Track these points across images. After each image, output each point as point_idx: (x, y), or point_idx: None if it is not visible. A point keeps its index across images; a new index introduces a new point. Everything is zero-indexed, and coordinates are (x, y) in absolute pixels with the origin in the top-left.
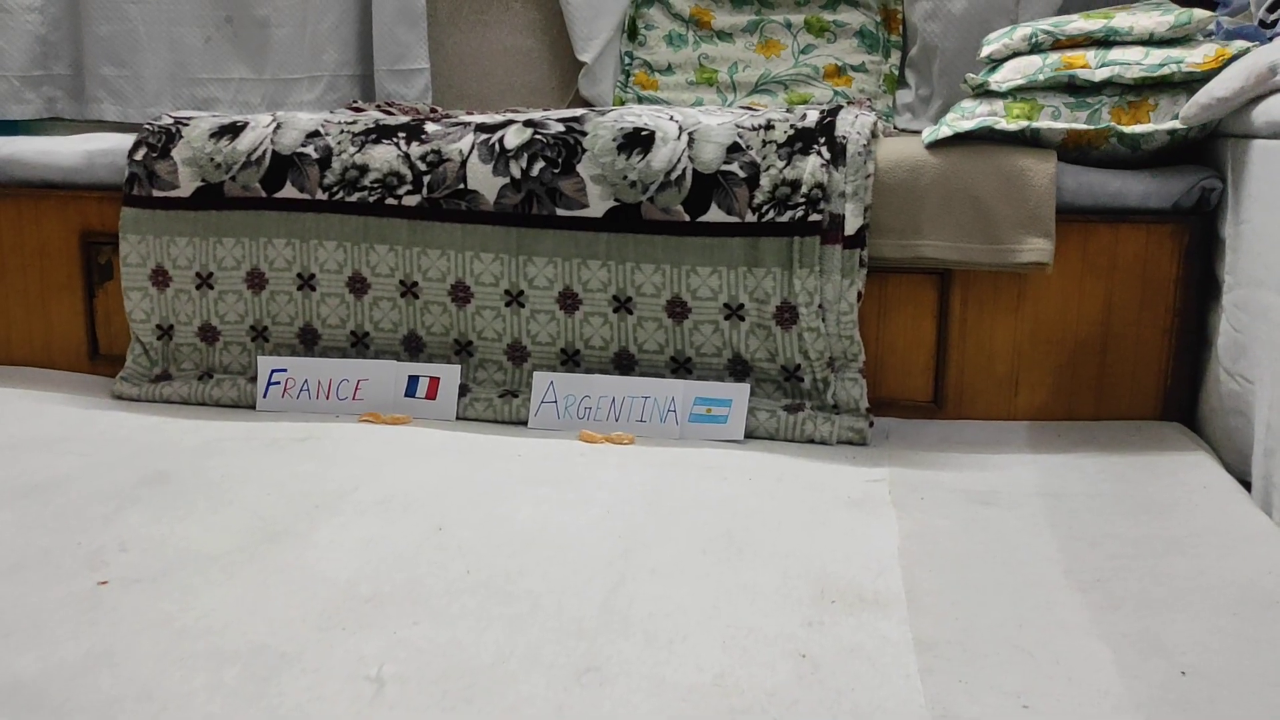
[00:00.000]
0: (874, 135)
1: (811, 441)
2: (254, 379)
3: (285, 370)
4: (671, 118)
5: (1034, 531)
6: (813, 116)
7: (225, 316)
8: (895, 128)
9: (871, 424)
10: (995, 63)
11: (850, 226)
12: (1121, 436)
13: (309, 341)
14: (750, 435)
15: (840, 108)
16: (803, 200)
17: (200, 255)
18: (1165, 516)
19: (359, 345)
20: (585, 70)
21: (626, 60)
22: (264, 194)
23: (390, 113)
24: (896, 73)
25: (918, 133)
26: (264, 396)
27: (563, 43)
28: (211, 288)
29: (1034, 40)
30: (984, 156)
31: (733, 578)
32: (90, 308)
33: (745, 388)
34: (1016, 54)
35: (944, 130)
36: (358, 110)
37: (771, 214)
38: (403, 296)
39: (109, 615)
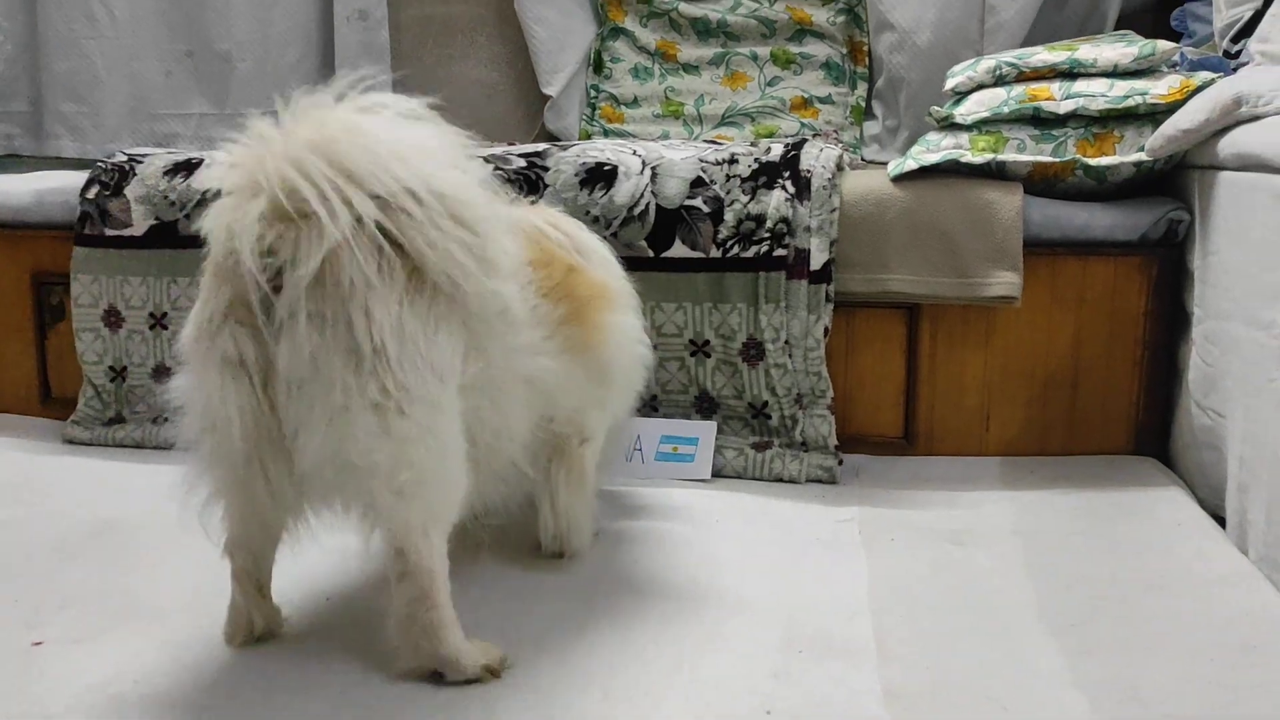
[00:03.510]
0: (839, 168)
1: (780, 480)
2: None
3: None
4: (634, 152)
5: (1006, 573)
6: (777, 150)
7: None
8: (863, 159)
9: (840, 461)
10: (960, 95)
11: (816, 261)
12: (1094, 472)
13: None
14: (718, 474)
15: (804, 141)
16: (767, 235)
17: (154, 295)
18: (1139, 556)
19: None
20: (551, 104)
21: (592, 93)
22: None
23: None
24: (863, 104)
25: (885, 164)
26: None
27: (528, 76)
28: (165, 328)
29: (998, 73)
30: (950, 190)
31: (698, 627)
32: (42, 349)
33: (712, 426)
34: (981, 86)
35: (909, 163)
36: None
37: (736, 249)
38: None
39: (40, 680)
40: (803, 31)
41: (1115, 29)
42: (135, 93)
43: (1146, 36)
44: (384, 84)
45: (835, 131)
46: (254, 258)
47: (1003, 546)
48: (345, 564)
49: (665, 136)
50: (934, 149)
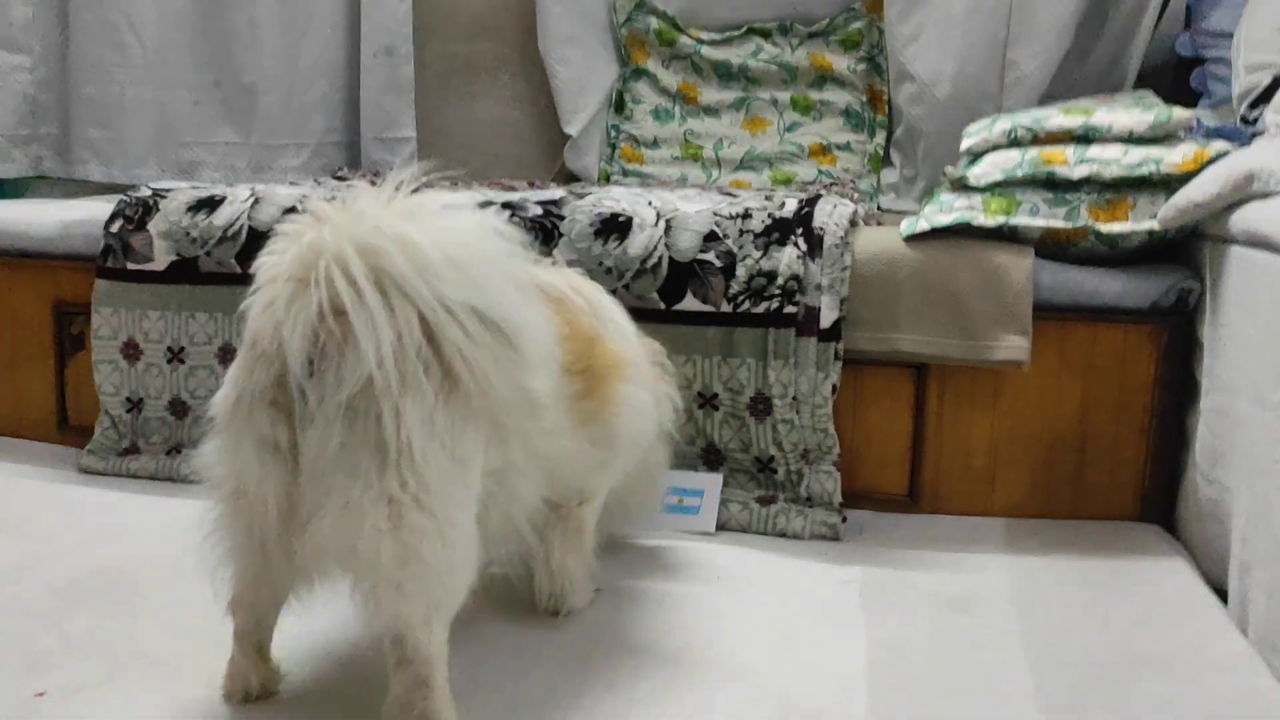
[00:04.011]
0: (853, 224)
1: (784, 535)
2: None
3: None
4: (650, 203)
5: (1005, 646)
6: (791, 205)
7: (195, 392)
8: (879, 208)
9: (845, 519)
10: (974, 156)
11: (826, 319)
12: (1098, 538)
13: None
14: (723, 527)
15: (819, 197)
16: (778, 292)
17: (172, 330)
18: (1140, 631)
19: None
20: (571, 143)
21: (613, 134)
22: (239, 270)
23: (375, 183)
24: (881, 152)
25: (901, 213)
26: None
27: (550, 115)
28: (183, 362)
29: (1013, 135)
30: (961, 251)
31: (690, 697)
32: (61, 378)
33: (718, 478)
34: (996, 148)
35: (921, 224)
36: (341, 179)
37: (747, 304)
38: None
39: None
40: (823, 78)
41: (1135, 86)
42: (162, 121)
43: (1166, 94)
44: (407, 120)
45: (852, 180)
46: (300, 356)
47: (1003, 616)
48: (349, 615)
49: (683, 179)
50: (947, 209)
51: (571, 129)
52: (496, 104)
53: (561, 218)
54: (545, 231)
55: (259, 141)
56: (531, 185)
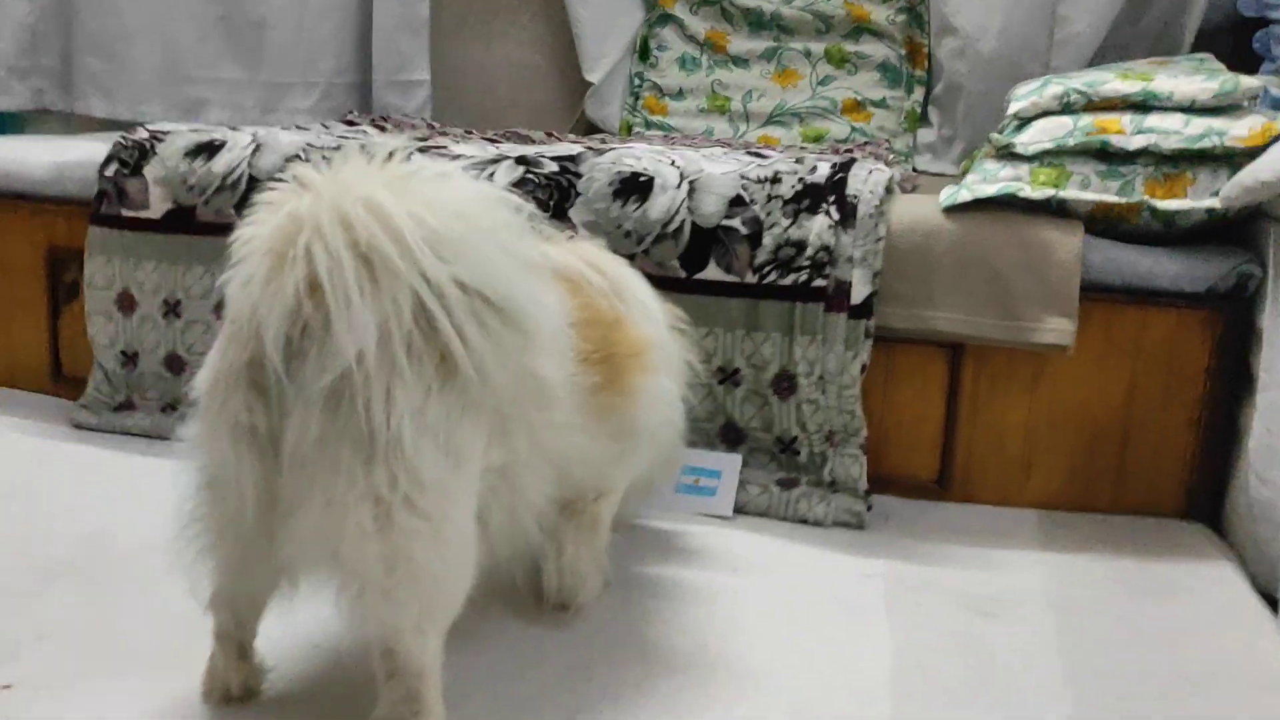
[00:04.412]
0: (889, 191)
1: (805, 522)
2: None
3: None
4: (673, 162)
5: (1038, 655)
6: (823, 170)
7: (193, 348)
8: (914, 169)
9: (870, 507)
10: (1023, 121)
11: (857, 295)
12: (1139, 535)
13: None
14: (740, 510)
15: (853, 161)
16: (807, 264)
17: (168, 282)
18: (1181, 647)
19: None
20: (592, 91)
21: (636, 82)
22: (238, 221)
23: (384, 128)
24: (919, 110)
25: (938, 176)
26: None
27: (570, 60)
28: (179, 316)
29: (1066, 100)
30: (1005, 225)
31: (704, 705)
32: (54, 327)
33: (737, 459)
34: (1046, 113)
35: (963, 194)
36: (351, 124)
37: (773, 276)
38: None
39: None
40: (860, 29)
41: (1193, 48)
42: (166, 55)
43: (1226, 57)
44: (421, 62)
45: (887, 141)
46: (277, 338)
47: (1036, 622)
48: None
49: (709, 133)
50: (991, 179)
51: (593, 76)
52: (515, 47)
53: (579, 176)
54: (561, 190)
55: (266, 80)
56: (550, 136)
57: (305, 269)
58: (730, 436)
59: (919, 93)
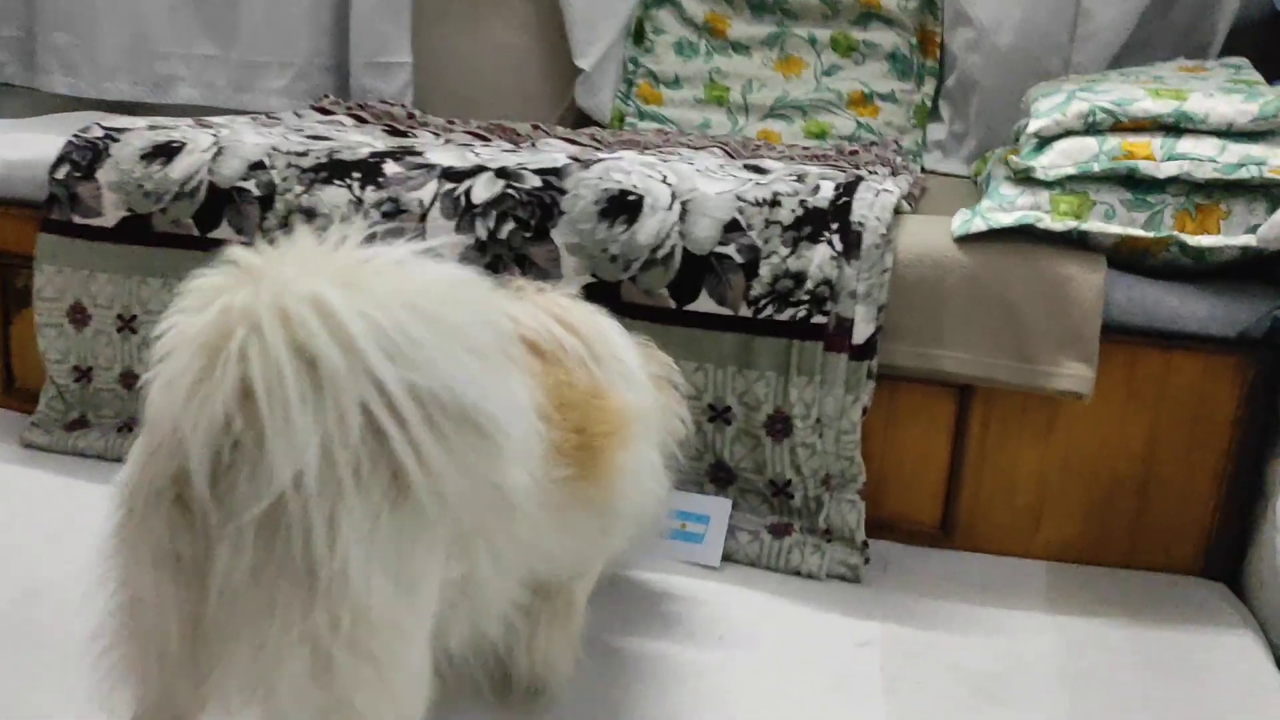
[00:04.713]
0: (900, 210)
1: (798, 573)
2: None
3: None
4: (665, 179)
5: None
6: (826, 192)
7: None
8: (922, 169)
9: (867, 560)
10: (1043, 141)
11: (860, 334)
12: (1155, 596)
13: None
14: (728, 557)
15: (860, 180)
16: (806, 298)
17: (123, 295)
18: None
19: None
20: (583, 78)
21: (630, 68)
22: (196, 233)
23: (362, 118)
24: (929, 104)
25: (947, 176)
26: None
27: (561, 44)
28: (135, 332)
29: (1091, 119)
30: (1022, 258)
31: None
32: (5, 336)
33: (726, 505)
34: (1069, 133)
35: (977, 223)
36: (325, 111)
37: (770, 310)
38: None
39: None
40: (869, 15)
41: (1226, 46)
42: (135, 29)
43: (1262, 54)
44: (402, 44)
45: (895, 141)
46: (203, 455)
47: (1045, 705)
48: None
49: (706, 126)
50: (1008, 207)
51: (584, 61)
52: (502, 29)
53: (563, 192)
54: (544, 208)
55: (240, 58)
56: (536, 129)
57: (238, 374)
58: (720, 477)
59: (930, 85)
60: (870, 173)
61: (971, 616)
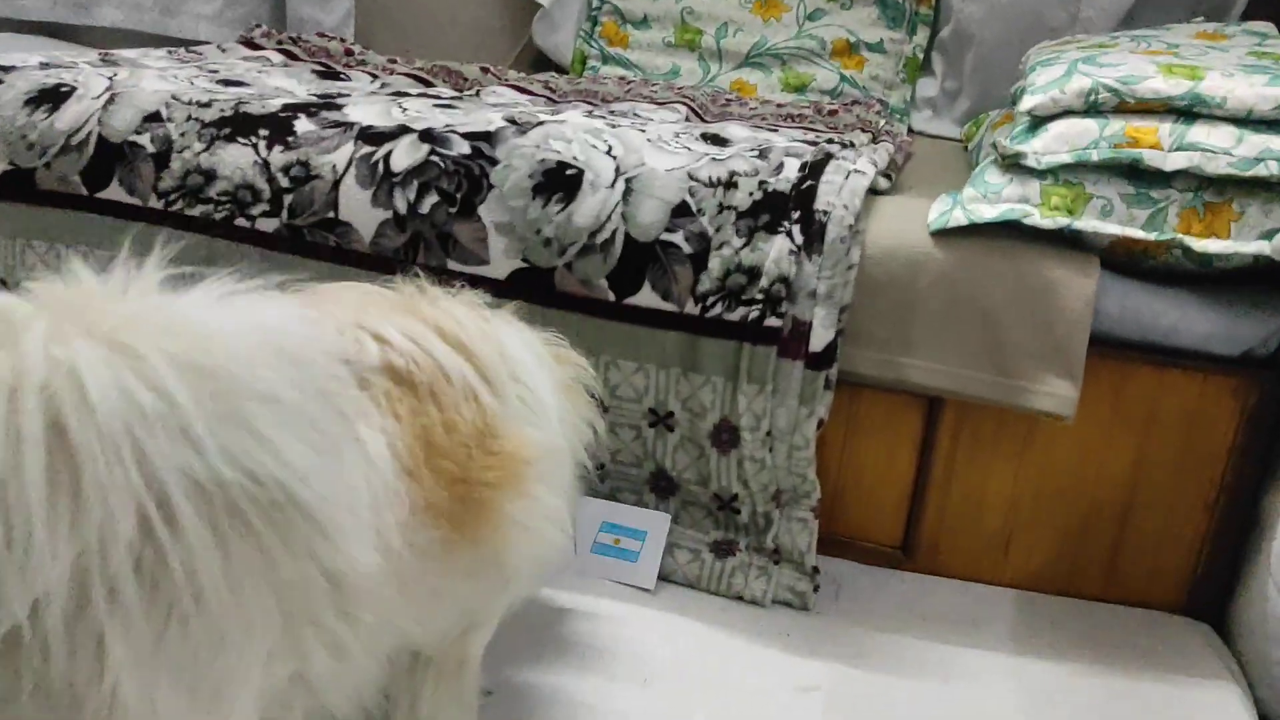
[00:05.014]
0: (876, 189)
1: (740, 598)
2: None
3: None
4: (609, 151)
5: None
6: (789, 172)
7: None
8: (910, 130)
9: (817, 587)
10: (1038, 121)
11: (818, 340)
12: (1131, 635)
13: None
14: (666, 577)
15: (828, 159)
16: (760, 297)
17: (6, 257)
18: None
19: None
20: (542, 14)
21: (595, 4)
22: (85, 191)
23: (294, 54)
24: (921, 57)
25: (937, 139)
26: None
27: None
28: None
29: (1092, 98)
30: (1005, 258)
31: None
32: None
33: (665, 520)
34: (1069, 112)
35: (957, 215)
36: (254, 46)
37: (719, 308)
38: None
39: None
40: None
41: (1248, 6)
42: None
43: None
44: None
45: (879, 101)
46: None
47: None
48: None
49: (674, 74)
50: (993, 199)
51: None
52: None
53: (494, 162)
54: (472, 180)
55: None
56: (486, 72)
57: None
58: (661, 487)
59: (922, 35)
60: (844, 145)
61: (929, 656)
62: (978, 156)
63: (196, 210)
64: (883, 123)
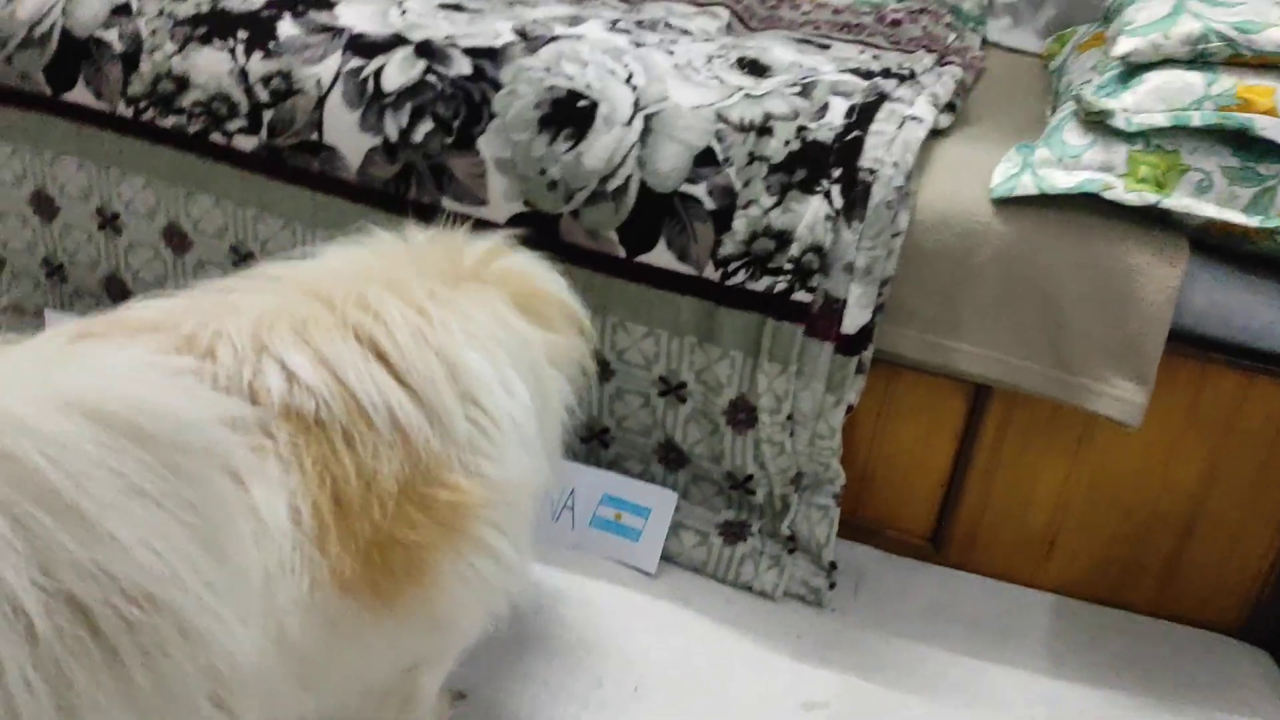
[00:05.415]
0: (937, 128)
1: (749, 589)
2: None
3: None
4: (630, 78)
5: None
6: (835, 115)
7: (9, 243)
8: (984, 41)
9: (833, 584)
10: (1131, 70)
11: (852, 321)
12: (1180, 656)
13: (117, 296)
14: (669, 558)
15: (881, 101)
16: (790, 267)
17: None
18: None
19: None
20: None
21: None
22: (48, 91)
23: None
24: None
25: (1016, 54)
26: None
27: None
28: None
29: (1201, 46)
30: (1077, 237)
31: None
32: None
33: (672, 499)
34: (1170, 61)
35: (1025, 182)
36: None
37: (741, 275)
38: (236, 266)
39: None
40: None
41: None
42: None
43: None
44: None
45: (949, 12)
46: None
47: None
48: None
49: None
50: (1069, 164)
51: None
52: None
53: (497, 86)
54: (471, 106)
55: None
56: None
57: None
58: (670, 458)
59: None
60: (902, 78)
61: (952, 672)
62: (1058, 81)
63: (169, 121)
64: (952, 37)
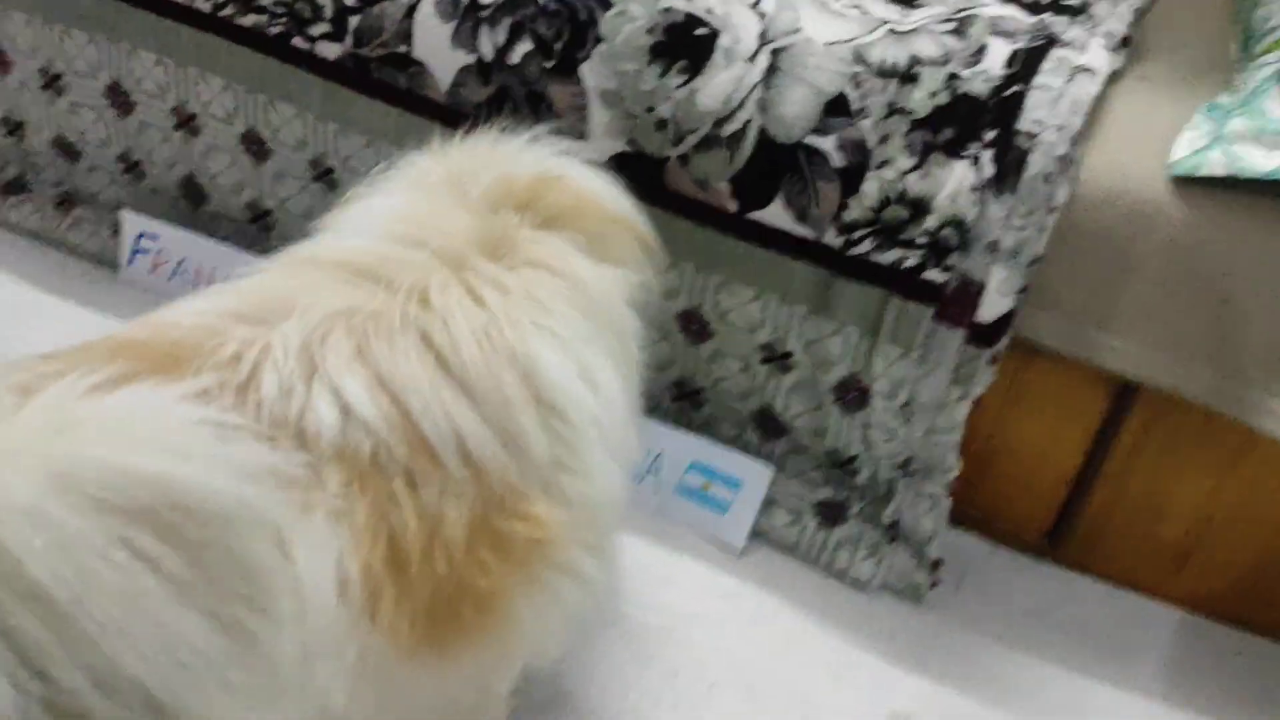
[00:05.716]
0: (1116, 74)
1: (841, 577)
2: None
3: (158, 239)
4: (757, 3)
5: None
6: (993, 61)
7: (85, 135)
8: None
9: (935, 584)
10: None
11: (990, 308)
12: None
13: (195, 199)
14: (758, 534)
15: (1050, 44)
16: (924, 240)
17: (44, 44)
18: None
19: (259, 224)
20: None
21: None
22: None
23: None
24: None
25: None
26: (129, 264)
27: None
28: (61, 94)
29: None
30: (1269, 229)
31: None
32: None
33: (767, 474)
34: None
35: (1214, 161)
36: None
37: (867, 244)
38: (316, 181)
39: None
40: None
41: None
42: None
43: None
44: None
45: None
46: None
47: None
48: None
49: None
50: (1269, 142)
51: None
52: None
53: (607, 4)
54: (576, 27)
55: None
56: None
57: None
58: (768, 426)
59: None
60: (1073, 10)
61: (1057, 693)
62: (1251, 14)
63: (248, 20)
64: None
